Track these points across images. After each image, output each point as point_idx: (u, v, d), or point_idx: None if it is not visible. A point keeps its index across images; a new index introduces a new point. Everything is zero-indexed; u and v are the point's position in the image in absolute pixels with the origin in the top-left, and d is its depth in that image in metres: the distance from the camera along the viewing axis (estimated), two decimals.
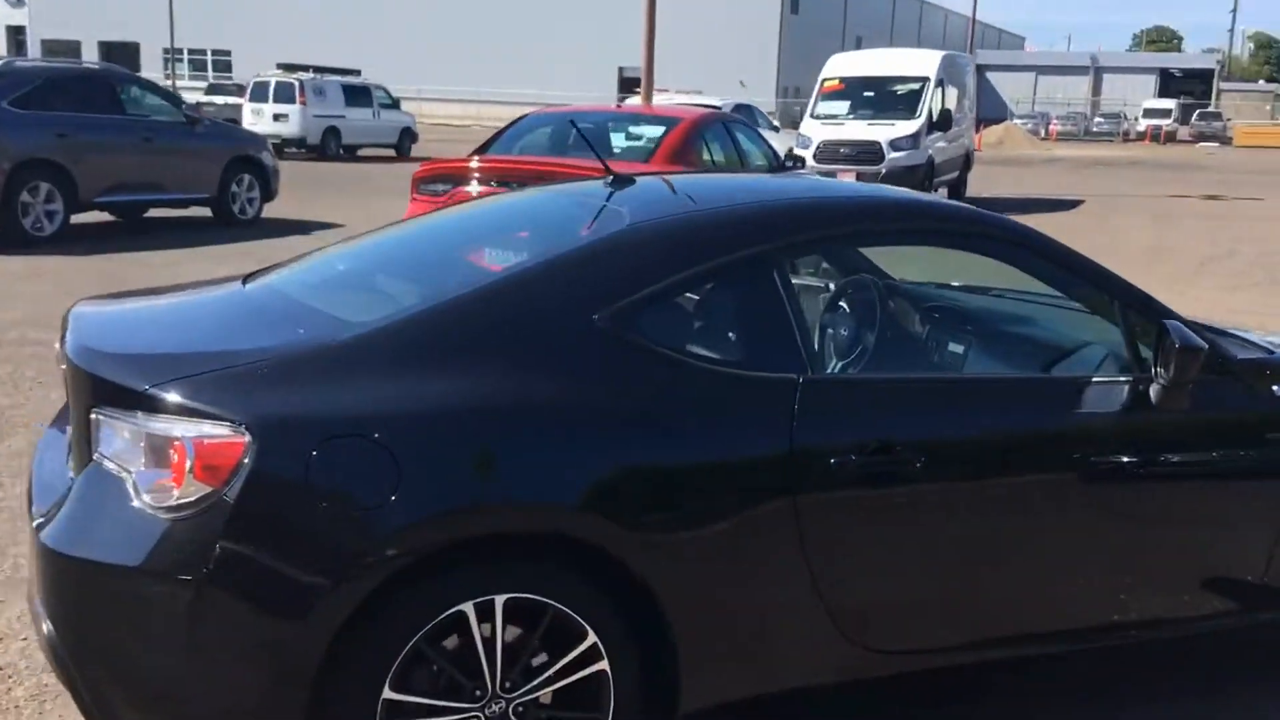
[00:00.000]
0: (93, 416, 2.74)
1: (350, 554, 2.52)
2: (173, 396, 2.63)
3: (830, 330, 3.45)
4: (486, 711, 2.68)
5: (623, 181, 3.57)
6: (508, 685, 2.69)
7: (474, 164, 8.30)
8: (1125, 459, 3.15)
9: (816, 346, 3.04)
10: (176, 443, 2.57)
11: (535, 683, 2.71)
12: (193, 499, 2.53)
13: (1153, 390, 3.15)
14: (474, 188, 8.07)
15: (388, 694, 2.60)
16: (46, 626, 2.74)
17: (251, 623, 2.54)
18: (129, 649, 2.63)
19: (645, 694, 2.82)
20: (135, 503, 2.61)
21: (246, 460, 2.50)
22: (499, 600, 2.63)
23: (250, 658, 2.56)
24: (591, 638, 2.71)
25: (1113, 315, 3.35)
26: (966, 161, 21.00)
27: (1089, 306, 3.48)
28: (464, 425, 2.65)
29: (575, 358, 2.80)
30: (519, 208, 3.94)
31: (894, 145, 17.46)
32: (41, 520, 2.78)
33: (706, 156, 9.36)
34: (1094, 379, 3.25)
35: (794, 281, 3.16)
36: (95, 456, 2.73)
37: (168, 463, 2.59)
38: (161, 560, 2.55)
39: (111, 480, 2.68)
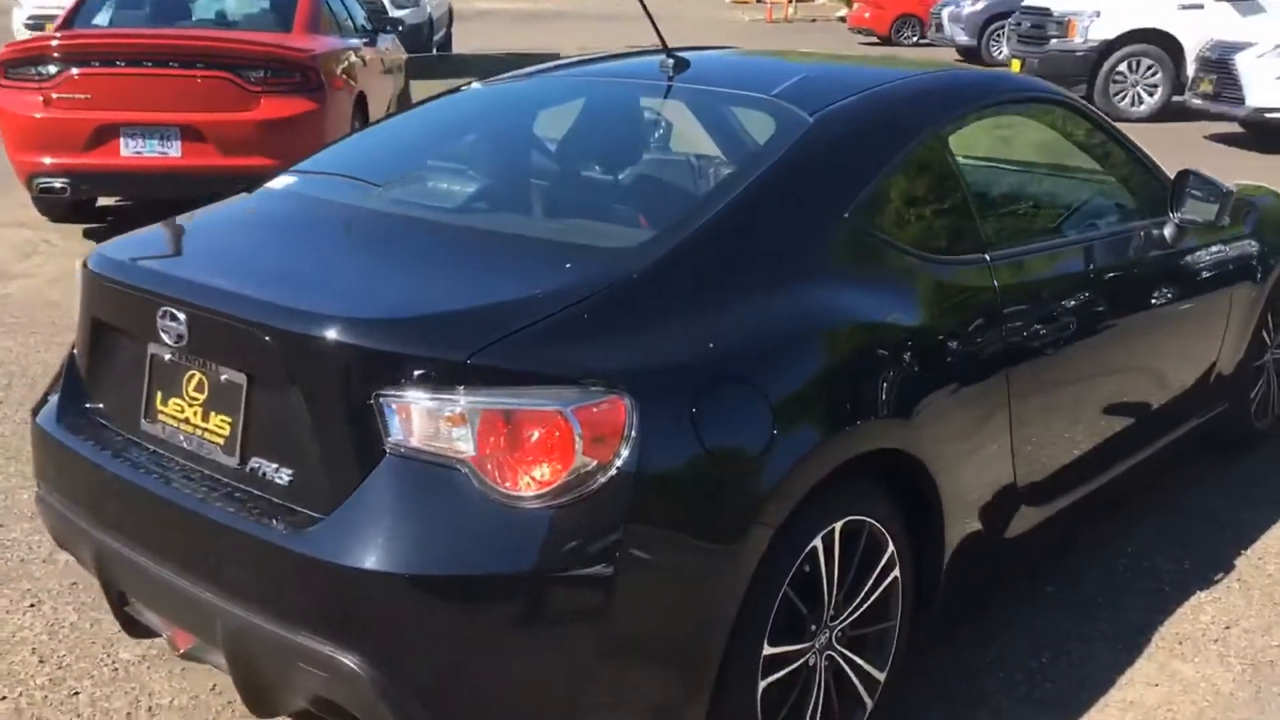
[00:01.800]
0: (379, 401, 2.19)
1: (751, 509, 2.30)
2: (515, 363, 2.19)
3: (980, 207, 3.52)
4: (817, 644, 2.60)
5: (681, 61, 3.34)
6: (832, 615, 2.62)
7: (58, 41, 7.15)
8: (1164, 289, 3.63)
9: (984, 226, 3.13)
10: (545, 417, 2.15)
11: (852, 605, 2.66)
12: (581, 479, 2.14)
13: (1168, 230, 3.62)
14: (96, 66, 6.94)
15: (766, 650, 2.44)
16: (345, 665, 2.19)
17: (665, 607, 2.24)
18: (510, 670, 2.18)
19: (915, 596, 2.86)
20: (491, 496, 2.16)
21: (632, 425, 2.17)
22: (837, 529, 2.54)
23: (664, 646, 2.26)
24: (890, 548, 2.70)
25: (1138, 173, 3.75)
26: (450, 17, 20.92)
27: (1118, 168, 3.84)
28: (797, 351, 2.48)
29: (849, 263, 2.70)
30: (619, 100, 3.52)
31: (397, 4, 17.01)
32: (290, 530, 2.23)
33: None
34: (1144, 228, 3.66)
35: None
36: (387, 447, 2.20)
37: (530, 442, 2.16)
38: (555, 558, 2.14)
39: (427, 475, 2.18)
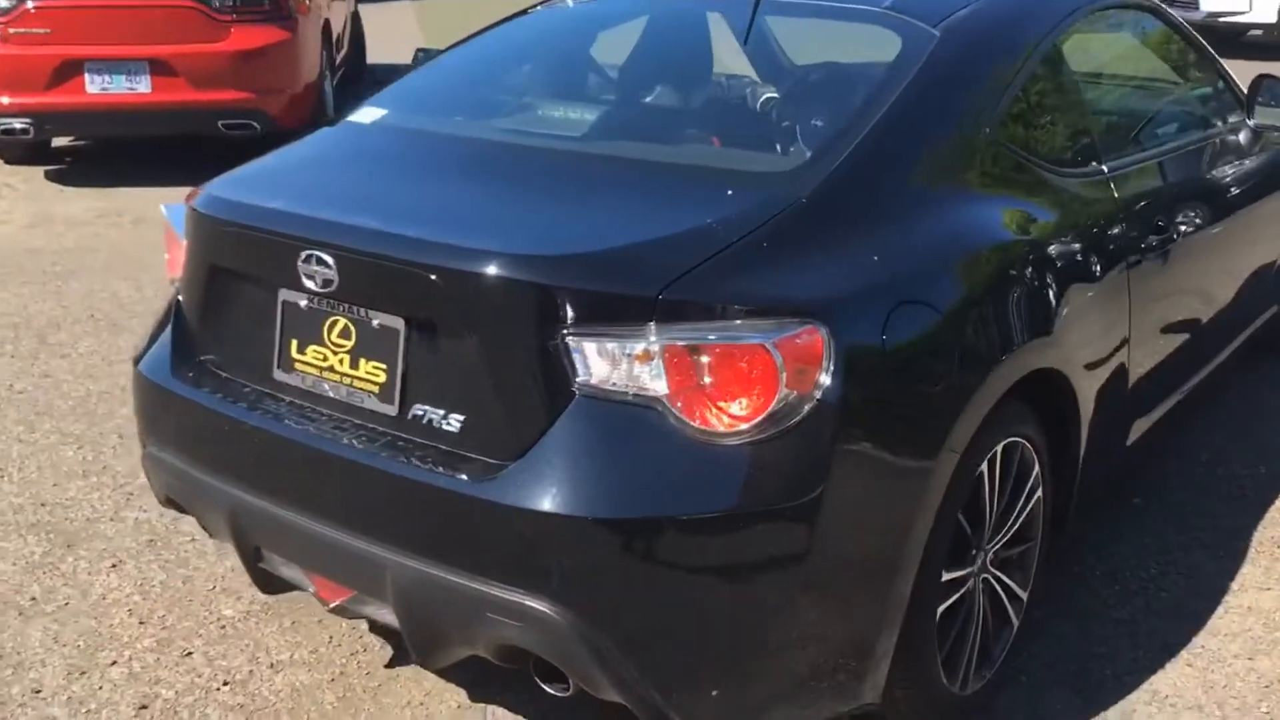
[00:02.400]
0: (567, 341, 2.10)
1: (941, 432, 2.27)
2: (706, 296, 2.11)
3: (1093, 118, 3.46)
4: (976, 567, 2.59)
5: None
6: (989, 537, 2.61)
7: None
8: (1244, 192, 3.68)
9: (1098, 137, 3.10)
10: (746, 351, 2.08)
11: (1005, 527, 2.65)
12: (784, 413, 2.07)
13: (1243, 136, 3.66)
14: None
15: (945, 575, 2.43)
16: (542, 613, 2.13)
17: (863, 538, 2.20)
18: (710, 611, 2.13)
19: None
20: (687, 434, 2.09)
21: (829, 354, 2.11)
22: (999, 450, 2.52)
23: (861, 577, 2.23)
24: (1036, 467, 2.69)
25: (1215, 79, 3.76)
26: None
27: (1198, 75, 3.82)
28: (965, 271, 2.44)
29: (994, 179, 2.65)
30: (719, 17, 3.39)
31: None
32: (475, 478, 2.15)
33: None
34: (1225, 133, 3.68)
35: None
36: (576, 388, 2.12)
37: (729, 377, 2.08)
38: (758, 495, 2.09)
39: (619, 413, 2.11)
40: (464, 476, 2.16)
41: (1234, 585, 3.16)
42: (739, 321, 2.07)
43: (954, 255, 2.40)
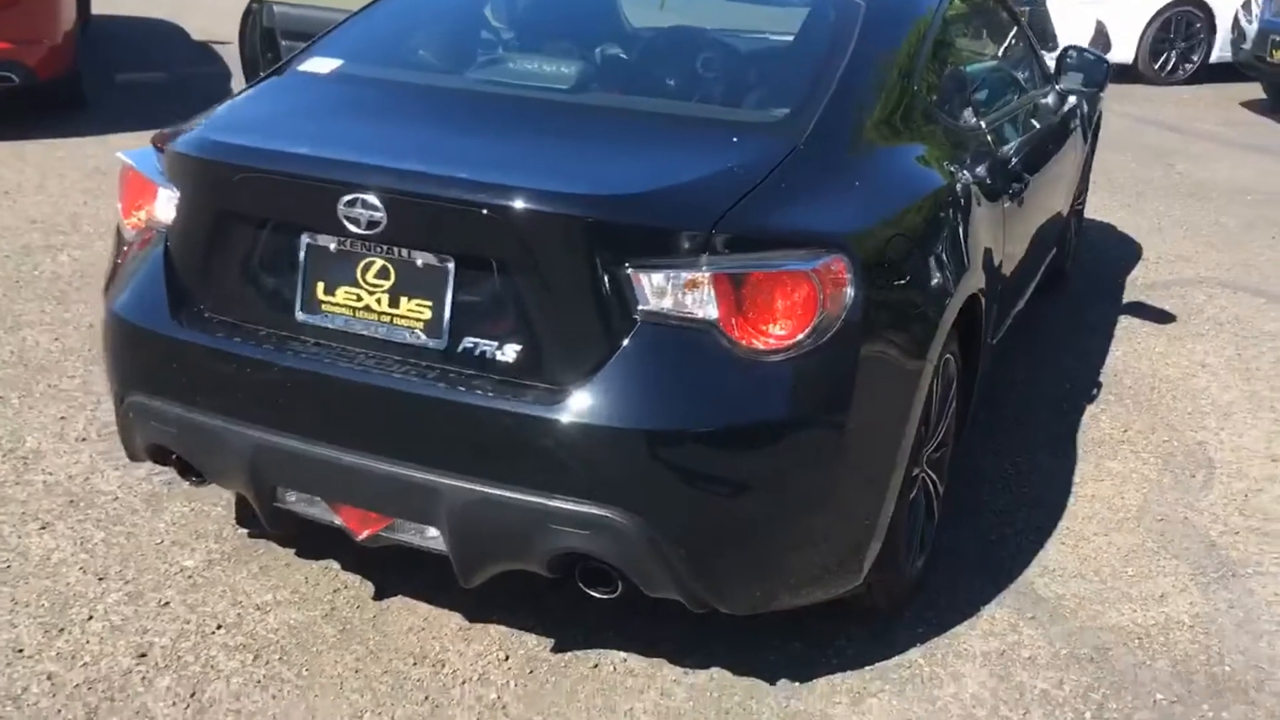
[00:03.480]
0: (629, 273, 2.35)
1: (924, 345, 2.64)
2: (762, 230, 2.41)
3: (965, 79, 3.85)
4: (921, 464, 3.00)
5: None
6: (929, 438, 3.03)
7: None
8: (1058, 143, 4.31)
9: (973, 93, 3.56)
10: (791, 277, 2.39)
11: (939, 428, 3.07)
12: (819, 331, 2.40)
13: (1051, 98, 4.28)
14: None
15: (913, 471, 2.84)
16: (610, 520, 2.38)
17: (876, 436, 2.56)
18: (751, 515, 2.44)
19: None
20: (737, 353, 2.38)
21: (851, 279, 2.46)
22: (941, 364, 2.95)
23: (874, 468, 2.59)
24: (955, 378, 3.14)
25: (1031, 52, 4.35)
26: None
27: (1025, 46, 4.38)
28: (926, 208, 2.81)
29: (924, 128, 3.03)
30: None
31: None
32: (542, 401, 2.36)
33: None
34: (1040, 97, 4.26)
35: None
36: (638, 316, 2.37)
37: (775, 301, 2.40)
38: (800, 405, 2.41)
39: (677, 336, 2.38)
40: (529, 399, 2.35)
41: (1076, 479, 3.75)
42: (780, 252, 2.36)
43: (914, 195, 2.77)
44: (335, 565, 3.09)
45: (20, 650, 2.73)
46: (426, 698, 2.64)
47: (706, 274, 2.31)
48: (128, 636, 2.80)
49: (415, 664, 2.74)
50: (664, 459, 2.33)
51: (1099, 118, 5.35)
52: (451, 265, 2.41)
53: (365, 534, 2.61)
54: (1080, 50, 4.28)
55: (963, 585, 3.14)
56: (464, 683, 2.69)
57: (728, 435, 2.34)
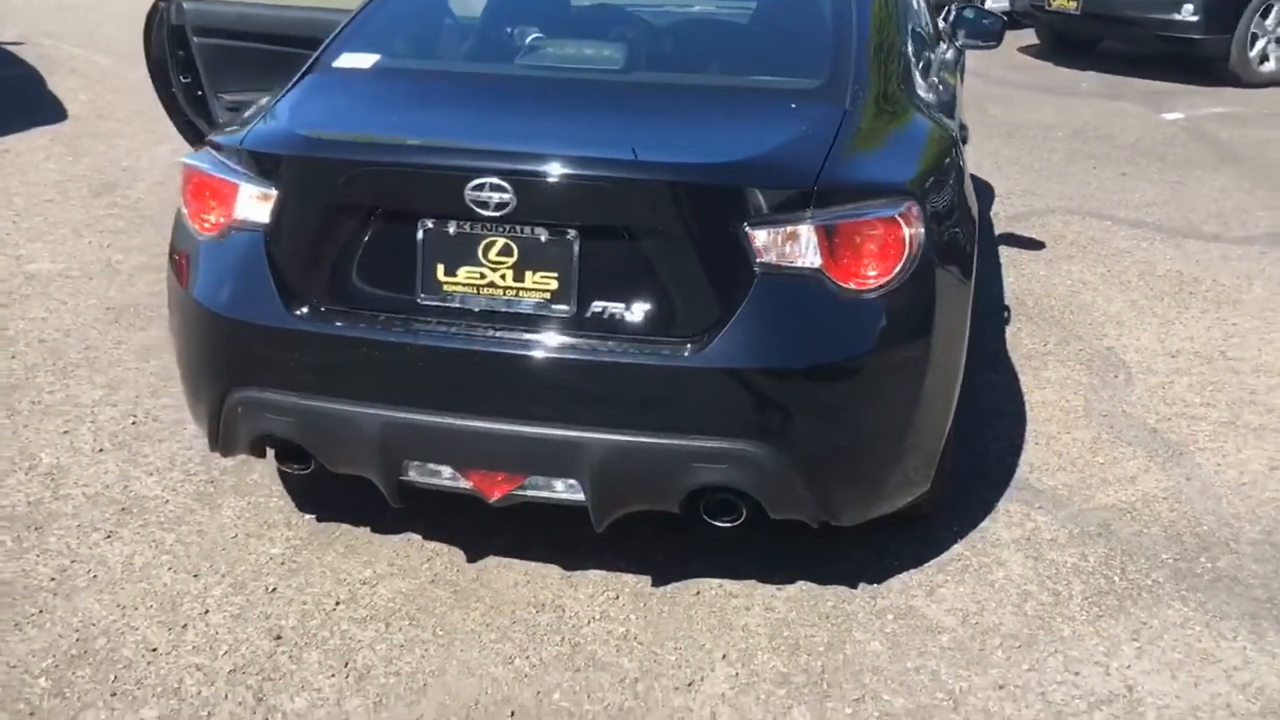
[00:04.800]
0: (747, 231, 2.65)
1: (970, 272, 3.03)
2: (845, 184, 2.75)
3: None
4: None
5: None
6: None
7: None
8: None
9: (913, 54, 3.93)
10: (882, 223, 2.73)
11: None
12: (907, 270, 2.75)
13: (951, 52, 4.76)
14: None
15: None
16: (757, 453, 2.67)
17: (950, 351, 2.90)
18: (859, 435, 2.77)
19: None
20: (843, 295, 2.71)
21: (923, 220, 2.81)
22: None
23: (950, 382, 2.94)
24: None
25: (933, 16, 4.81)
26: None
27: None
28: (945, 160, 3.18)
29: (910, 84, 3.39)
30: None
31: None
32: (679, 352, 2.64)
33: None
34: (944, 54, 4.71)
35: None
36: (757, 269, 2.67)
37: (869, 245, 2.74)
38: (898, 333, 2.75)
39: (792, 285, 2.69)
40: (666, 352, 2.62)
41: (1024, 389, 4.26)
42: (865, 202, 2.70)
43: (938, 143, 3.13)
44: (416, 537, 3.26)
45: (154, 649, 2.81)
46: (563, 638, 2.87)
47: (810, 226, 2.62)
48: (254, 622, 2.91)
49: (538, 611, 2.97)
50: (790, 393, 2.65)
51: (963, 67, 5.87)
52: (576, 236, 2.63)
53: (497, 495, 2.81)
54: (976, 9, 4.76)
55: (972, 489, 3.57)
56: (590, 622, 2.94)
57: (842, 366, 2.67)
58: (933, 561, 3.20)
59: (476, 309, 2.70)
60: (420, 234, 2.69)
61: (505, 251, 2.67)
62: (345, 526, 3.30)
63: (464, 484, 2.82)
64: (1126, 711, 2.66)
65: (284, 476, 3.48)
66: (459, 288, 2.70)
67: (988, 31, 4.69)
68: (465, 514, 3.20)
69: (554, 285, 2.66)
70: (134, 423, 3.86)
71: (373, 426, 2.72)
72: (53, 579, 3.05)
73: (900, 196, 2.71)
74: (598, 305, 2.65)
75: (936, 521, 3.34)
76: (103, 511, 3.35)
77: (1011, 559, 3.22)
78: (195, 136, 5.22)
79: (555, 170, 2.60)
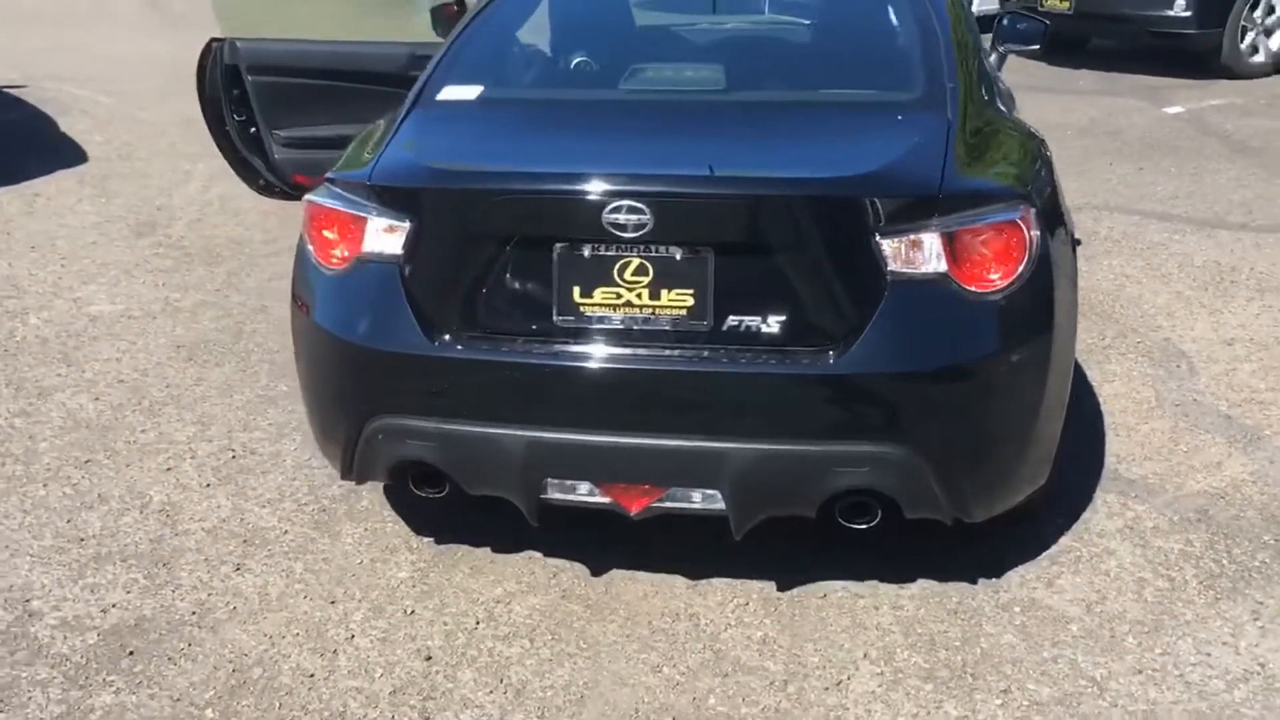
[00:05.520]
0: (878, 241, 2.74)
1: (1074, 259, 3.14)
2: (967, 190, 2.84)
3: None
4: None
5: None
6: None
7: None
8: None
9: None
10: (1004, 227, 2.82)
11: None
12: (1028, 271, 2.84)
13: (994, 56, 4.86)
14: None
15: None
16: (896, 454, 2.76)
17: (1066, 340, 2.98)
18: (988, 433, 2.86)
19: None
20: (969, 298, 2.80)
21: (1038, 224, 2.91)
22: None
23: (1066, 378, 3.02)
24: None
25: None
26: None
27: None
28: (1038, 155, 3.29)
29: (990, 86, 3.52)
30: None
31: None
32: (820, 361, 2.73)
33: None
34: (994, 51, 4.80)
35: None
36: (889, 277, 2.76)
37: (993, 248, 2.83)
38: (1022, 331, 2.85)
39: (922, 290, 2.78)
40: (805, 361, 2.71)
41: (1094, 383, 4.36)
42: (986, 207, 2.80)
43: (1031, 147, 3.23)
44: (538, 555, 3.33)
45: (311, 675, 2.87)
46: (704, 645, 2.95)
47: (936, 234, 2.72)
48: (400, 644, 2.97)
49: (674, 621, 3.04)
50: (926, 395, 2.74)
51: None
52: (711, 254, 2.72)
53: (638, 507, 2.89)
54: (1017, 14, 4.88)
55: (1064, 481, 3.66)
56: (726, 628, 3.01)
57: (972, 367, 2.77)
58: (1045, 554, 3.29)
59: (612, 329, 2.77)
60: (556, 258, 2.76)
61: (640, 271, 2.75)
62: (465, 548, 3.37)
63: (603, 499, 2.90)
64: (1264, 687, 2.76)
65: (395, 502, 3.53)
66: (596, 308, 2.78)
67: (1028, 35, 4.79)
68: (582, 530, 3.27)
69: (690, 302, 2.74)
70: (234, 456, 3.91)
71: (516, 447, 2.80)
72: (194, 612, 3.10)
73: (1016, 200, 2.81)
74: (734, 319, 2.74)
75: (1040, 516, 3.42)
76: (225, 545, 3.40)
77: (1120, 548, 3.32)
78: (250, 174, 5.29)
79: (691, 191, 2.69)
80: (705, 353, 2.74)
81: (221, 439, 4.03)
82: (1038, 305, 2.84)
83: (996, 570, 3.21)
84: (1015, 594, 3.12)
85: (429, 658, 2.92)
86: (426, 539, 3.41)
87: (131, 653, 2.96)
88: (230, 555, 3.34)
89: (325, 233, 2.98)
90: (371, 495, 3.63)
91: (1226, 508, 3.51)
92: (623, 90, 3.30)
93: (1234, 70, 9.89)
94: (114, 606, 3.13)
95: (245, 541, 3.41)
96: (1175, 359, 4.54)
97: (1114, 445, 3.88)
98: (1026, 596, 3.11)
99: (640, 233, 2.68)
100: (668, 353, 2.75)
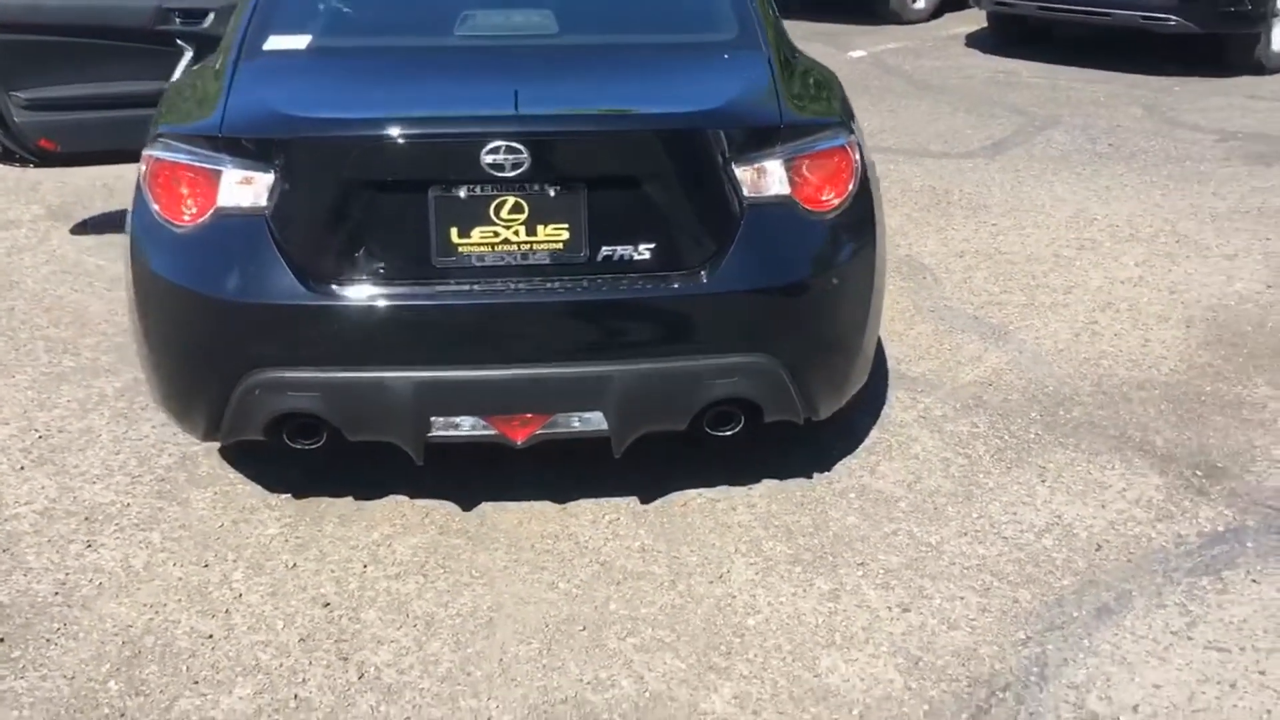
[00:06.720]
0: (732, 169, 2.99)
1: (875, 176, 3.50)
2: (802, 120, 3.16)
3: None
4: None
5: None
6: None
7: None
8: None
9: None
10: (837, 152, 3.12)
11: None
12: (854, 190, 3.20)
13: None
14: None
15: None
16: (762, 363, 3.03)
17: (884, 256, 3.32)
18: (832, 337, 3.18)
19: None
20: (810, 218, 3.11)
21: (859, 150, 3.28)
22: None
23: (883, 283, 3.36)
24: None
25: None
26: None
27: None
28: (843, 89, 3.64)
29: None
30: None
31: None
32: (691, 283, 2.95)
33: None
34: None
35: None
36: (745, 203, 3.03)
37: (825, 172, 3.15)
38: (854, 244, 3.17)
39: (771, 213, 3.06)
40: (677, 284, 2.95)
41: None
42: (817, 134, 3.11)
43: (832, 79, 3.56)
44: (402, 497, 3.42)
45: (210, 636, 2.87)
46: (590, 559, 3.16)
47: (779, 160, 3.01)
48: (293, 596, 3.00)
49: (555, 541, 3.23)
50: (784, 307, 3.03)
51: None
52: (584, 189, 2.90)
53: (523, 436, 3.04)
54: None
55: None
56: (606, 542, 3.23)
57: (821, 278, 3.08)
58: (861, 446, 3.69)
59: (491, 265, 2.89)
60: (431, 201, 2.85)
61: (516, 209, 2.88)
62: (327, 500, 3.40)
63: (489, 431, 3.02)
64: (1066, 534, 3.26)
65: (238, 464, 3.50)
66: (474, 248, 2.89)
67: None
68: (443, 470, 3.36)
69: (566, 236, 2.90)
70: (40, 437, 3.73)
71: (403, 389, 2.88)
72: (56, 593, 3.00)
73: (840, 128, 3.14)
74: (607, 249, 2.92)
75: (850, 413, 3.82)
76: (65, 524, 3.28)
77: (920, 435, 3.77)
78: None
79: (566, 130, 2.85)
80: (584, 283, 2.90)
81: (19, 420, 3.81)
82: (864, 221, 3.18)
83: (825, 464, 3.58)
84: (847, 483, 3.50)
85: (327, 604, 2.96)
86: (283, 495, 3.40)
87: (2, 639, 2.82)
88: (76, 534, 3.23)
89: (171, 189, 2.91)
90: (208, 459, 3.58)
91: (995, 393, 4.03)
92: (458, 36, 3.36)
93: (900, 17, 10.85)
94: None
95: (87, 519, 3.30)
96: (920, 272, 5.08)
97: (891, 349, 4.35)
98: (857, 484, 3.49)
99: (518, 172, 2.81)
100: (548, 285, 2.90)
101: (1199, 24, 8.36)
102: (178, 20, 4.99)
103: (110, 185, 6.04)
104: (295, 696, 2.65)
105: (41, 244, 5.35)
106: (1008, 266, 5.12)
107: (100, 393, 3.98)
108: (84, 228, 5.58)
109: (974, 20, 10.79)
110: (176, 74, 4.94)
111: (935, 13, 11.19)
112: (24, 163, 4.93)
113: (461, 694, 2.67)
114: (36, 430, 3.75)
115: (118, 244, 5.18)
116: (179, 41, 5.00)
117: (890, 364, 4.22)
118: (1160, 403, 3.94)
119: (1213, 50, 8.78)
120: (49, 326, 4.48)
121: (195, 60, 4.92)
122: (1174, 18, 8.37)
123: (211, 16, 5.02)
